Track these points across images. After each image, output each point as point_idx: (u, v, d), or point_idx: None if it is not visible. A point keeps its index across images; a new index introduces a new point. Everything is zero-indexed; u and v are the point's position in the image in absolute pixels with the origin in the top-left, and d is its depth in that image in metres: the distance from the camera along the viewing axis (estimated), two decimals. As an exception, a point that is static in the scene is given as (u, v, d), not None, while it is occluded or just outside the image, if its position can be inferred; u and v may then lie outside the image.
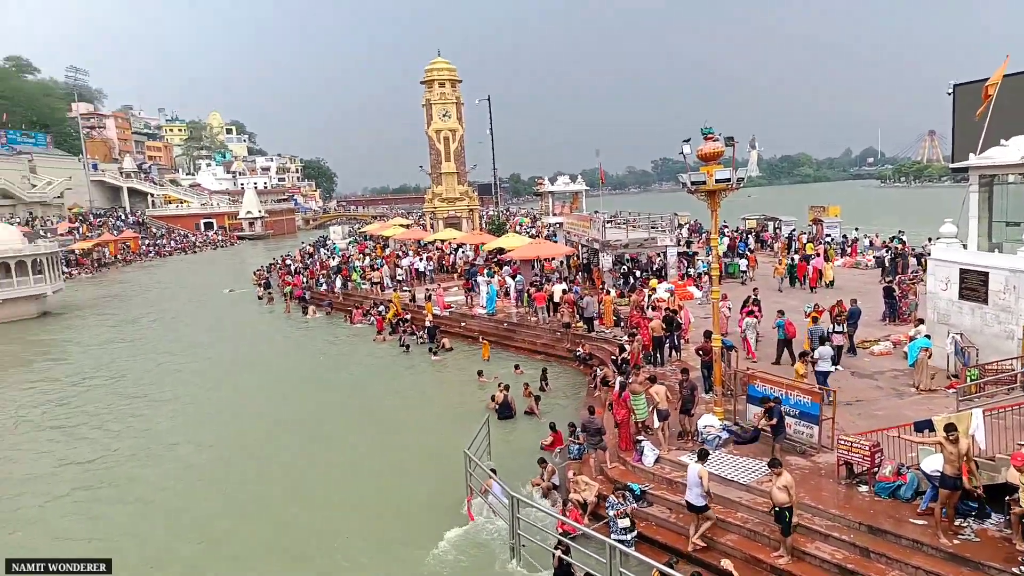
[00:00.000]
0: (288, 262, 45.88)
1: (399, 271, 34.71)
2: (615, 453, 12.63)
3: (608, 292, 23.67)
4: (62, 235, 61.02)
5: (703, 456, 10.20)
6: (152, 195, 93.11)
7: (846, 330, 16.41)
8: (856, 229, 36.85)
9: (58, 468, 15.09)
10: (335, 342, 27.11)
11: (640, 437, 12.36)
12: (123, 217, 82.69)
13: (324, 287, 35.56)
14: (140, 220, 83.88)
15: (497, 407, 16.76)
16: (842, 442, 10.51)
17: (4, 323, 33.47)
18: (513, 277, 28.01)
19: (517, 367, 20.66)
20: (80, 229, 69.17)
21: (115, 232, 71.32)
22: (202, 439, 16.45)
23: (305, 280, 37.86)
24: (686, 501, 9.95)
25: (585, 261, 31.78)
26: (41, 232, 55.97)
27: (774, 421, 11.02)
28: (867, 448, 10.12)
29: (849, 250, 32.78)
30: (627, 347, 16.99)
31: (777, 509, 9.06)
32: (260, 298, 38.41)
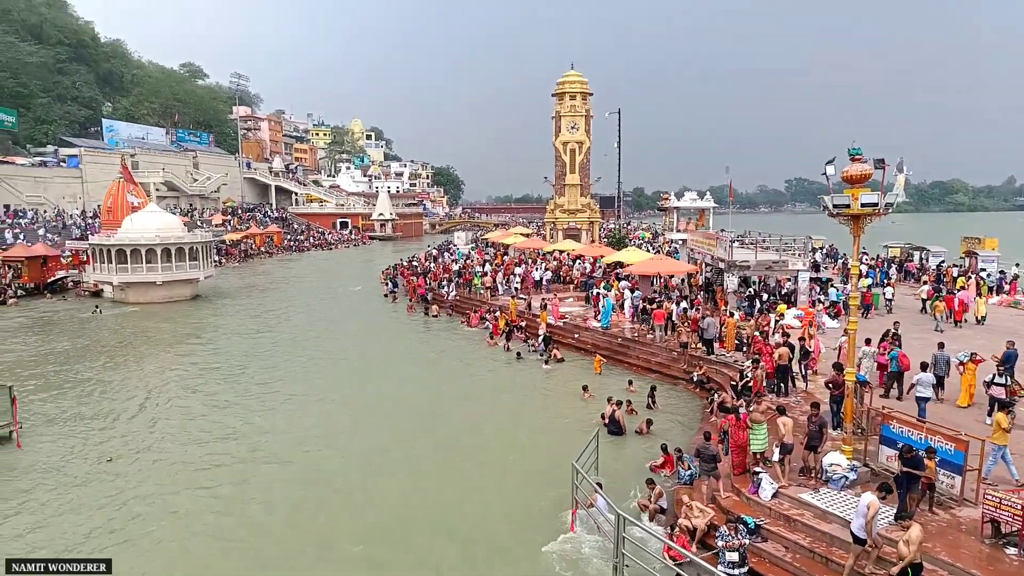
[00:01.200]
0: (414, 264, 47.77)
1: (514, 278, 35.27)
2: (729, 482, 12.14)
3: (731, 314, 22.81)
4: (216, 226, 66.96)
5: (884, 490, 9.59)
6: (296, 193, 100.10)
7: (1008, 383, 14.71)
8: (1017, 265, 33.34)
9: (181, 454, 16.18)
10: (451, 343, 27.87)
11: (758, 469, 11.80)
12: (269, 213, 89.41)
13: (445, 289, 36.70)
14: (284, 216, 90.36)
15: (607, 422, 16.57)
16: (990, 497, 9.53)
17: (163, 303, 37.12)
18: (631, 292, 27.64)
19: (630, 383, 20.35)
20: (231, 221, 75.52)
21: (261, 226, 77.26)
22: (317, 434, 17.09)
23: (428, 282, 39.26)
24: (851, 530, 9.44)
25: (708, 280, 30.82)
26: (198, 223, 61.66)
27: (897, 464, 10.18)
28: (1019, 507, 9.12)
29: (1008, 287, 29.72)
30: (749, 373, 16.30)
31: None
32: (386, 296, 40.26)
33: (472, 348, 26.82)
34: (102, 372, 23.00)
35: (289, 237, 79.94)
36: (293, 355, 25.55)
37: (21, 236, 48.24)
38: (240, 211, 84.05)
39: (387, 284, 42.53)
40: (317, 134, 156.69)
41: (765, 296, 26.12)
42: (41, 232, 50.90)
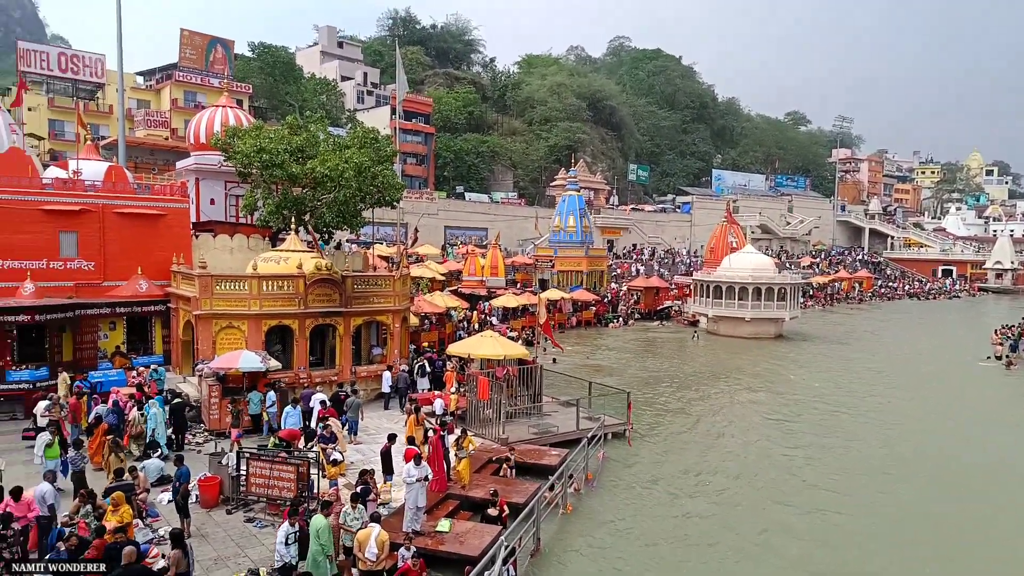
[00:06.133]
0: (1043, 325, 38.56)
1: None
2: None
3: None
4: (804, 268, 67.57)
5: None
6: (892, 237, 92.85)
7: None
8: None
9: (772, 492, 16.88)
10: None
11: None
12: (860, 257, 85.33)
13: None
14: (876, 261, 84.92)
15: None
16: None
17: (748, 338, 39.45)
18: None
19: None
20: (819, 264, 74.98)
21: (851, 270, 74.24)
22: (894, 514, 15.50)
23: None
24: None
25: None
26: (787, 264, 63.41)
27: None
28: None
29: None
30: None
31: None
32: (998, 358, 33.65)
33: None
34: (694, 394, 26.00)
35: (880, 283, 74.55)
36: (872, 420, 23.35)
37: (642, 269, 58.53)
38: (829, 254, 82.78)
39: (1002, 345, 35.32)
40: (923, 172, 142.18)
41: None
42: (656, 267, 60.72)
